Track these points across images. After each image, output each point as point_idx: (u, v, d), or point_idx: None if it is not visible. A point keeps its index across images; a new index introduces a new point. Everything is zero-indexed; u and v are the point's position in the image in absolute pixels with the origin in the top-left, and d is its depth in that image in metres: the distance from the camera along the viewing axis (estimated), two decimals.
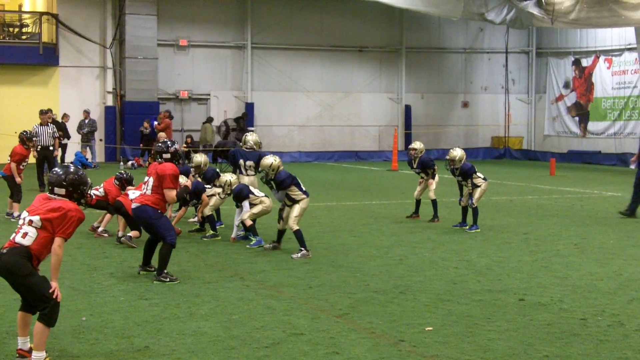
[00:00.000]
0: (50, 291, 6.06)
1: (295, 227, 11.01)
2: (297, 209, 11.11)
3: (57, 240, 6.12)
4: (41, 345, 6.09)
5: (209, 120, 31.73)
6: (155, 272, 9.45)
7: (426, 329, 7.32)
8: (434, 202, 14.61)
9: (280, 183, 11.13)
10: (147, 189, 9.50)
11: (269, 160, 11.28)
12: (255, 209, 11.82)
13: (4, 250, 6.11)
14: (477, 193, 13.57)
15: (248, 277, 9.61)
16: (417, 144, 15.00)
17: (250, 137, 13.21)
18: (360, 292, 8.81)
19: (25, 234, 6.11)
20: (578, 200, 18.50)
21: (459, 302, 8.36)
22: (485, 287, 9.11)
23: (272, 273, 9.89)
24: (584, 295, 8.78)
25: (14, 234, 6.22)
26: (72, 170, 6.38)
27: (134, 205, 9.63)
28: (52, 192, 6.32)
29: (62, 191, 6.28)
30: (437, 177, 14.83)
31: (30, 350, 6.17)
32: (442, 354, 6.59)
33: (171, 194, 9.41)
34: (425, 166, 14.74)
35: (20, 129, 16.09)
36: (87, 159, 27.34)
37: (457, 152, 13.75)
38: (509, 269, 10.26)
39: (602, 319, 7.72)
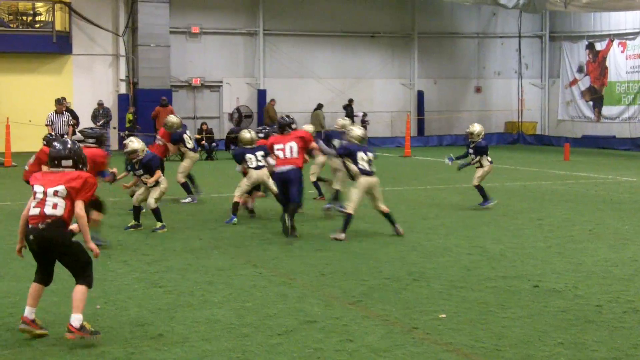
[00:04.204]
0: (94, 255, 6.53)
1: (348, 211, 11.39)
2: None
3: (79, 204, 6.48)
4: (81, 307, 6.42)
5: (319, 106, 32.15)
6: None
7: (440, 316, 7.30)
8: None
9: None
10: None
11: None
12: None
13: (42, 225, 6.38)
14: (479, 172, 14.12)
15: (261, 265, 9.62)
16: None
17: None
18: (374, 279, 8.80)
19: (55, 205, 6.43)
20: (592, 186, 18.40)
21: (473, 289, 8.34)
22: (499, 274, 9.08)
23: (285, 260, 9.90)
24: (599, 281, 8.74)
25: (36, 208, 6.43)
26: (69, 141, 6.77)
27: None
28: (59, 165, 6.59)
29: (70, 162, 6.62)
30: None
31: (34, 321, 6.49)
32: (455, 341, 6.57)
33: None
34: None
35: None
36: None
37: (476, 128, 14.32)
38: (523, 255, 10.22)
39: (617, 306, 7.68)
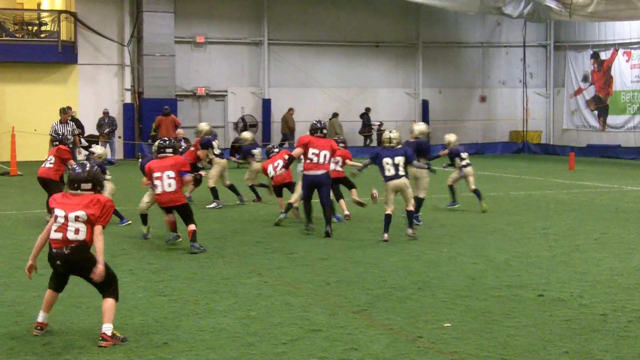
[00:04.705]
0: (96, 276, 6.63)
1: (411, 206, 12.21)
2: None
3: (99, 228, 6.69)
4: (112, 317, 6.71)
5: (335, 115, 32.52)
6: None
7: (444, 325, 7.30)
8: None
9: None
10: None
11: None
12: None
13: (67, 250, 6.62)
14: (453, 174, 15.47)
15: (266, 274, 9.63)
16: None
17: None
18: (378, 288, 8.80)
19: (77, 230, 6.63)
20: (597, 195, 18.39)
21: (478, 298, 8.33)
22: (503, 283, 9.08)
23: (289, 269, 9.90)
24: (604, 290, 8.73)
25: (58, 233, 6.63)
26: (88, 165, 6.90)
27: None
28: (78, 188, 6.76)
29: (89, 185, 6.79)
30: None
31: (47, 325, 6.82)
32: (460, 350, 6.57)
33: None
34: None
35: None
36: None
37: (447, 137, 15.66)
38: (527, 264, 10.21)
39: (623, 315, 7.67)
